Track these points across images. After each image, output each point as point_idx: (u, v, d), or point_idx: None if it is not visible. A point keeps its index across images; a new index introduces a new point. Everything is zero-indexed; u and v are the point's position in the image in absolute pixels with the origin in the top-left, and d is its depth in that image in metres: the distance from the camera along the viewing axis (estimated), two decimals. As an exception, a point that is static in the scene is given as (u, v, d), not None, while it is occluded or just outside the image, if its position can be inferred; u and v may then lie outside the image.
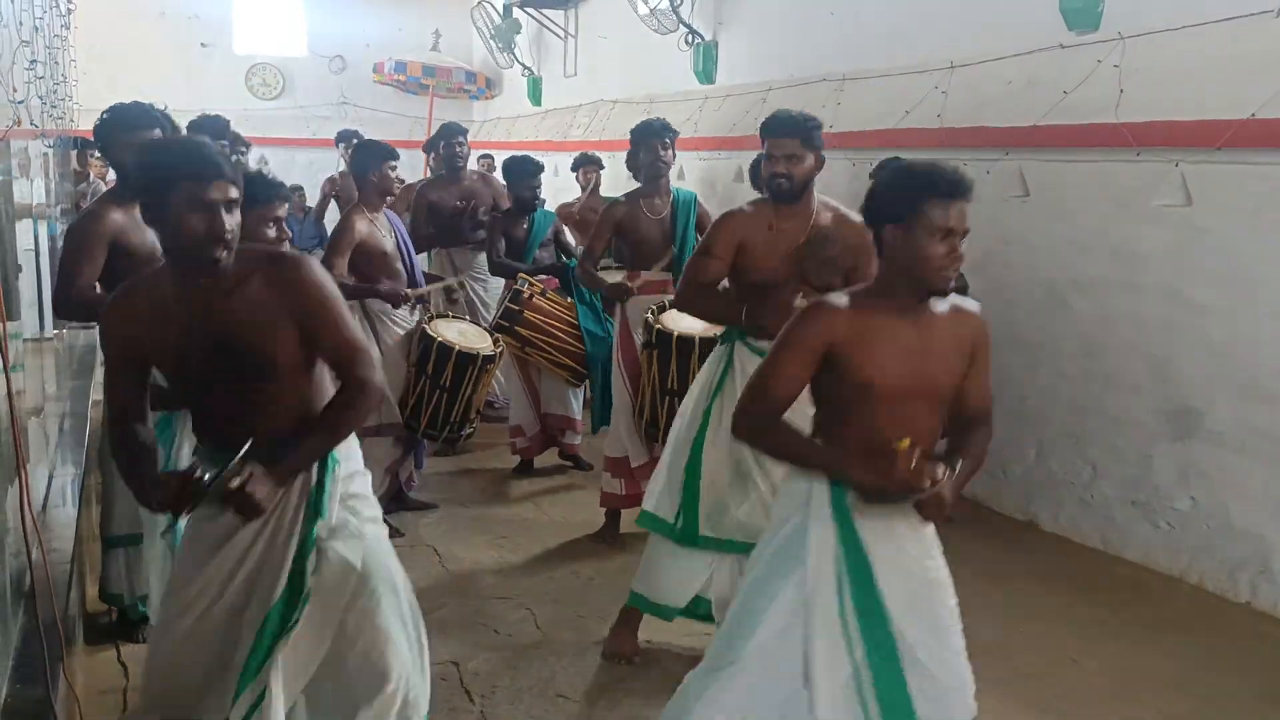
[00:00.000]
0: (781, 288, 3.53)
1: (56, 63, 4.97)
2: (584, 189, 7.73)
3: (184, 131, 4.03)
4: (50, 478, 3.65)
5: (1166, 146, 4.58)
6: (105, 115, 3.71)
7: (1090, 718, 3.46)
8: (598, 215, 7.26)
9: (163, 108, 3.76)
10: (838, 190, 6.77)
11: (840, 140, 6.61)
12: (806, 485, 2.54)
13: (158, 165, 2.26)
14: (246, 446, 2.26)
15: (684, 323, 4.59)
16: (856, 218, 3.57)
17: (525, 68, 12.12)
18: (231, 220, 2.24)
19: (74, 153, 8.59)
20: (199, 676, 2.38)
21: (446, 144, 6.54)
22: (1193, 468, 4.56)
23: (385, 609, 2.45)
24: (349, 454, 2.52)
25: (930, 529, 2.55)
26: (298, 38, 13.39)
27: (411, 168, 11.98)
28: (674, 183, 5.27)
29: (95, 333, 5.62)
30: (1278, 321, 4.25)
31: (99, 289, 3.66)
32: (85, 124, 3.92)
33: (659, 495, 3.72)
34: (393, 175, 4.90)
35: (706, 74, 8.37)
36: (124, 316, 2.37)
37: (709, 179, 7.87)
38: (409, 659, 2.49)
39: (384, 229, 4.88)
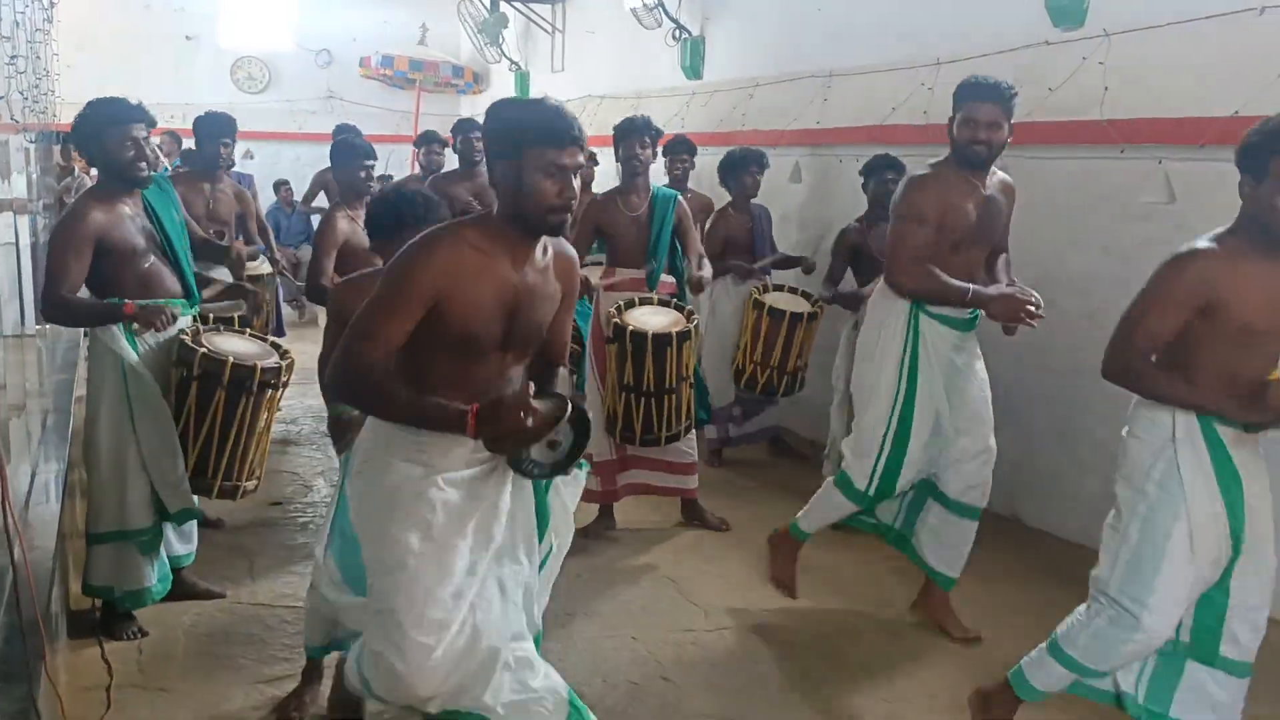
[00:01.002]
0: (966, 251, 3.76)
1: (39, 57, 4.93)
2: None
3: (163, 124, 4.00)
4: (33, 474, 3.64)
5: (1151, 144, 4.60)
6: (86, 110, 3.69)
7: (1072, 709, 3.47)
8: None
9: (136, 102, 3.75)
10: (823, 188, 6.82)
11: (827, 136, 6.63)
12: (1169, 420, 2.82)
13: (512, 126, 2.33)
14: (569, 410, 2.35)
15: (648, 320, 4.67)
16: (1008, 177, 3.95)
17: (512, 63, 12.08)
18: (578, 185, 2.35)
19: (57, 147, 8.53)
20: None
21: (463, 138, 6.56)
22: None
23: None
24: None
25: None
26: (284, 31, 13.31)
27: (399, 163, 11.97)
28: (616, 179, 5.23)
29: (77, 332, 5.61)
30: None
31: (86, 292, 3.66)
32: (69, 118, 3.89)
33: (855, 467, 3.94)
34: (362, 176, 4.85)
35: (694, 69, 8.36)
36: (441, 262, 2.32)
37: (695, 174, 7.85)
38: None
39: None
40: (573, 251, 2.58)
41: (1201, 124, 4.35)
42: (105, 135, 3.63)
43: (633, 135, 4.96)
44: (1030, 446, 5.25)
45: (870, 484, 3.90)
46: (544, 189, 2.29)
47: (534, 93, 11.91)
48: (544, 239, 2.48)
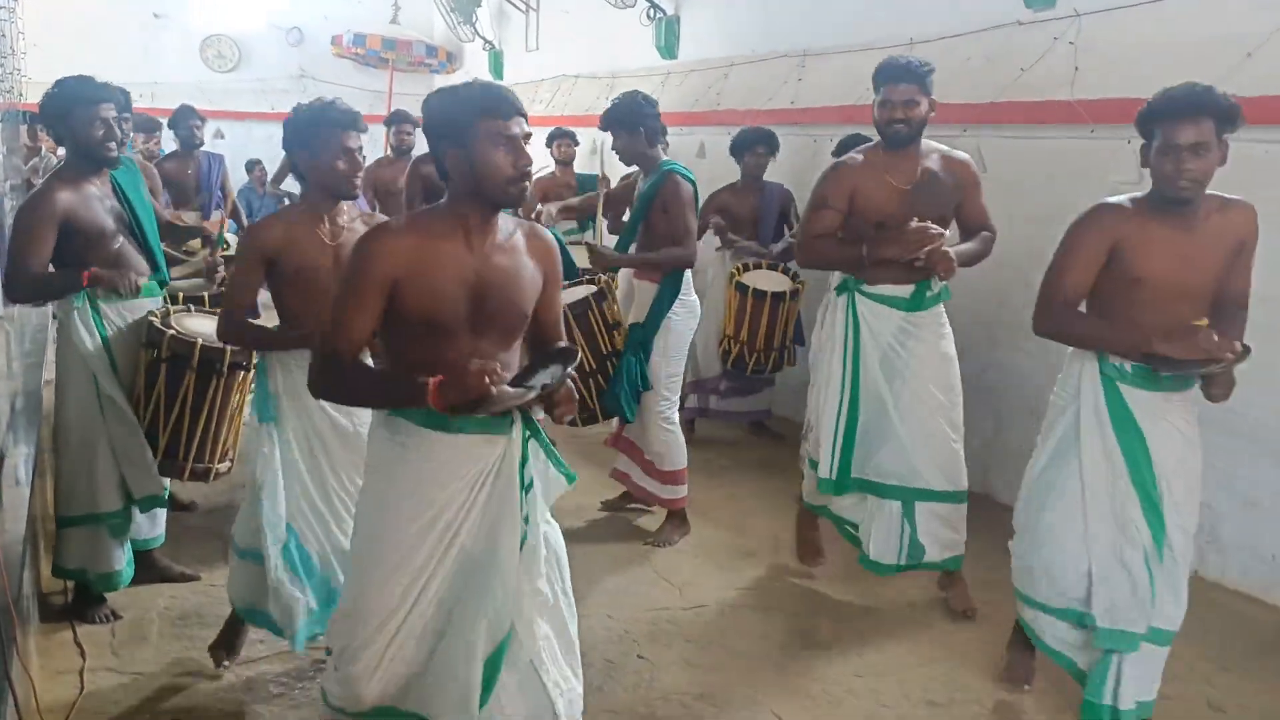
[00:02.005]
0: (898, 227, 3.72)
1: (3, 35, 4.85)
2: (558, 162, 7.71)
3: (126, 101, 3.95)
4: (2, 457, 3.60)
5: (1120, 123, 4.62)
6: (53, 89, 3.64)
7: (1043, 687, 3.52)
8: (571, 189, 7.26)
9: (105, 80, 3.70)
10: (798, 167, 6.83)
11: (801, 117, 6.63)
12: (1076, 375, 3.06)
13: (457, 107, 2.33)
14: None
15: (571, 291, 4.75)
16: (963, 156, 3.95)
17: (486, 42, 12.00)
18: (530, 155, 2.36)
19: (24, 127, 8.41)
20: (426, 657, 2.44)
21: (395, 130, 6.52)
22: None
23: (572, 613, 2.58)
24: None
25: (1190, 396, 3.05)
26: (254, 9, 13.14)
27: (373, 144, 11.87)
28: (590, 157, 5.23)
29: (46, 310, 5.55)
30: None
31: (51, 269, 3.61)
32: (36, 97, 3.84)
33: (813, 449, 4.06)
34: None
35: (669, 49, 8.34)
36: (390, 250, 2.33)
37: (670, 154, 7.84)
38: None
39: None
40: (548, 234, 2.56)
41: (1171, 104, 4.38)
42: (74, 115, 3.59)
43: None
44: (1002, 423, 5.30)
45: (831, 469, 3.95)
46: (499, 161, 2.30)
47: (508, 73, 11.84)
48: (512, 221, 2.49)
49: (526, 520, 2.40)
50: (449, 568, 2.42)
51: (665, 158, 4.67)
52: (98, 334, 3.65)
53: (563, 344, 2.49)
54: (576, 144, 7.78)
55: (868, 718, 3.32)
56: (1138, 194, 3.02)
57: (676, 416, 4.70)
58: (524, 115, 2.35)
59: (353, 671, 2.44)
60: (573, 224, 6.93)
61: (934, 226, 3.65)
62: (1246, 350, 2.88)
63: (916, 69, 3.72)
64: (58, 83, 3.66)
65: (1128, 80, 4.61)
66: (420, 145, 6.90)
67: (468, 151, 2.31)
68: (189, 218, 5.97)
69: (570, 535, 4.67)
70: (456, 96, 2.34)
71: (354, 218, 3.25)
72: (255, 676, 3.45)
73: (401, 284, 2.33)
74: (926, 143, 3.87)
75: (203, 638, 3.69)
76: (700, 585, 4.26)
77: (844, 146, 5.47)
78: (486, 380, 2.19)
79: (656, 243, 4.55)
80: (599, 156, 6.30)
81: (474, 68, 12.69)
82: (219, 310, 4.08)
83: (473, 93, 2.33)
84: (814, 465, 4.09)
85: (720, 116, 7.38)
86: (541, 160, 7.92)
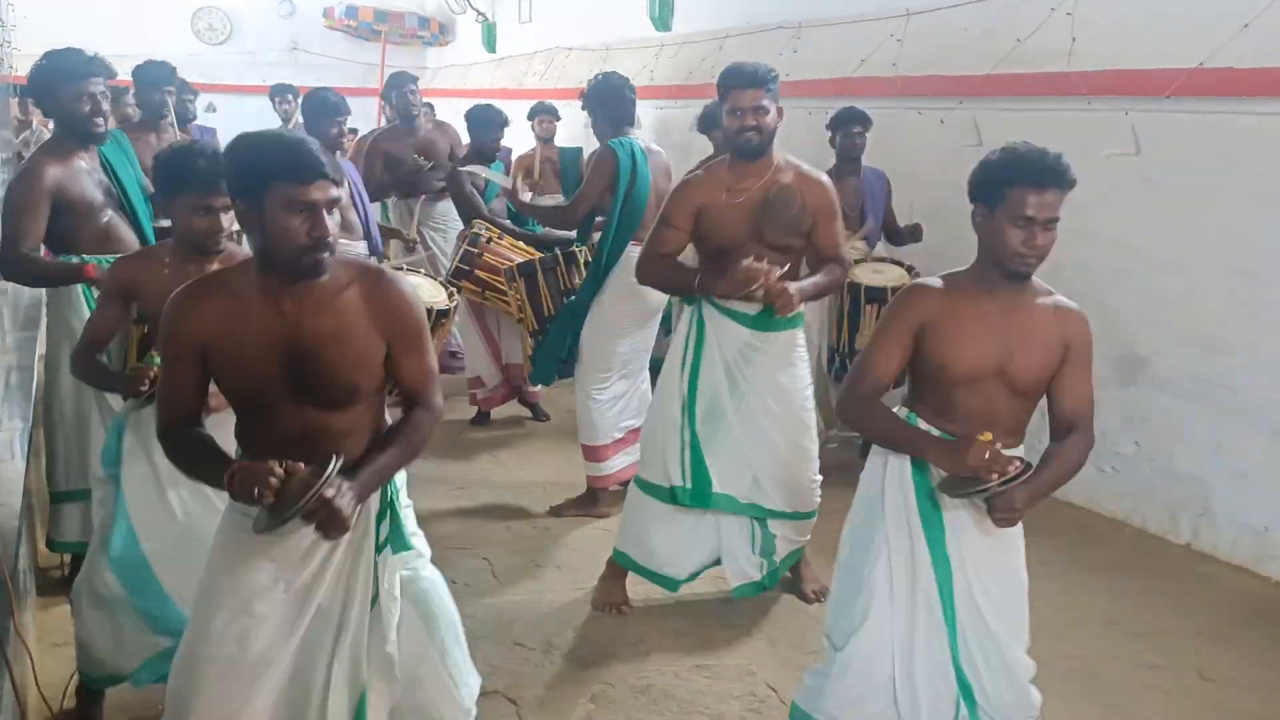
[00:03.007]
0: (740, 250, 3.48)
1: (-8, 6, 4.82)
2: (539, 139, 7.66)
3: (123, 76, 3.91)
4: (-4, 432, 3.61)
5: (1116, 95, 4.62)
6: (41, 62, 3.62)
7: (1035, 657, 3.54)
8: (554, 165, 7.23)
9: (93, 54, 3.67)
10: (795, 139, 6.79)
11: (796, 89, 6.59)
12: (883, 460, 2.64)
13: (252, 163, 2.09)
14: (334, 463, 2.10)
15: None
16: (819, 176, 3.66)
17: (479, 14, 11.92)
18: (333, 223, 2.09)
19: (14, 100, 8.36)
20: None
21: (399, 93, 6.45)
22: (1137, 413, 4.66)
23: (452, 655, 2.40)
24: (402, 482, 2.40)
25: (1012, 533, 2.57)
26: (245, -20, 13.09)
27: (364, 116, 11.81)
28: (584, 131, 5.23)
29: (40, 289, 5.53)
30: (1221, 270, 4.33)
31: (43, 249, 3.60)
32: (26, 69, 3.81)
33: (651, 463, 3.74)
34: (334, 132, 4.79)
35: (663, 21, 8.29)
36: (197, 313, 2.17)
37: (664, 128, 7.83)
38: (470, 690, 2.46)
39: (339, 183, 4.81)
40: (398, 286, 2.26)
41: (1167, 76, 4.37)
42: (60, 89, 3.56)
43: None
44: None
45: (682, 474, 3.66)
46: (292, 229, 2.06)
47: (501, 45, 11.78)
48: (351, 270, 2.23)
49: (377, 582, 2.27)
50: (305, 625, 2.25)
51: (633, 137, 4.65)
52: (89, 309, 3.63)
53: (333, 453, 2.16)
54: (558, 119, 7.74)
55: (861, 688, 3.35)
56: (958, 270, 2.61)
57: (607, 394, 4.67)
58: (329, 177, 2.08)
59: None
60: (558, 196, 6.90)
61: (762, 266, 3.33)
62: (1028, 467, 2.45)
63: (764, 73, 3.53)
64: (45, 56, 3.63)
65: (1125, 52, 4.60)
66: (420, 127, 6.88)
67: (259, 212, 2.08)
68: None
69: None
70: (254, 150, 2.11)
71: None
72: (252, 649, 3.46)
73: (210, 350, 2.17)
74: (783, 158, 3.62)
75: (199, 611, 3.70)
76: (695, 558, 4.28)
77: (837, 122, 5.43)
78: (255, 492, 2.03)
79: (601, 209, 4.64)
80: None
81: (467, 40, 12.61)
82: None
83: (272, 150, 2.09)
84: (651, 490, 3.73)
85: (714, 89, 7.34)
86: (524, 136, 7.90)
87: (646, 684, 3.33)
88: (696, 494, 3.63)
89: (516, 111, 8.82)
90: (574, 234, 5.10)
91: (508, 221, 5.77)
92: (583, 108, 4.71)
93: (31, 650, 3.08)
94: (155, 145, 5.32)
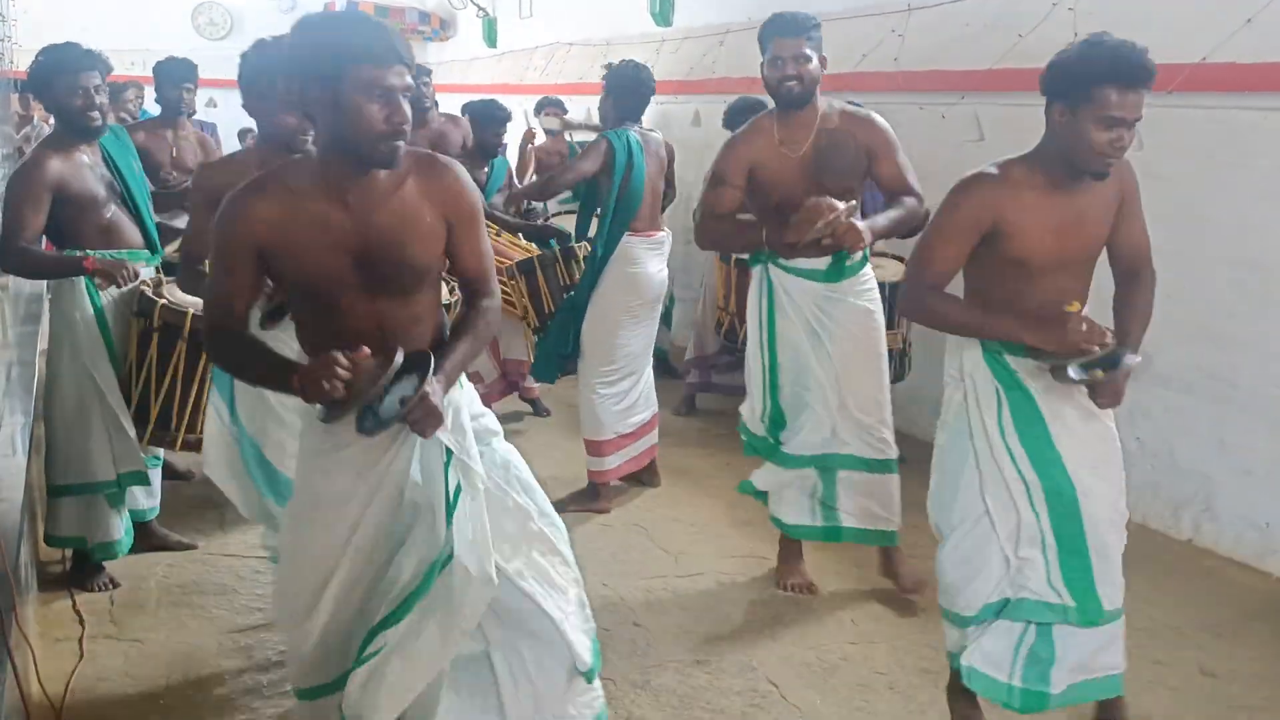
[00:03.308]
0: (799, 202, 3.45)
1: (-7, 1, 4.81)
2: (546, 131, 7.66)
3: (122, 71, 3.89)
4: (-3, 426, 3.60)
5: (1120, 90, 4.59)
6: (40, 57, 3.62)
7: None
8: (562, 156, 7.22)
9: (90, 49, 3.67)
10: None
11: (798, 84, 6.58)
12: (959, 357, 2.75)
13: (328, 44, 2.03)
14: (399, 358, 2.09)
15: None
16: (868, 113, 3.70)
17: (480, 9, 11.89)
18: (408, 110, 2.07)
19: (15, 95, 8.35)
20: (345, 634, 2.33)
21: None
22: (1139, 408, 4.64)
23: (547, 512, 2.45)
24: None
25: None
26: (246, -25, 13.07)
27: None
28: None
29: (41, 283, 5.53)
30: (1225, 264, 4.32)
31: (46, 243, 3.60)
32: (27, 64, 3.81)
33: (752, 418, 3.91)
34: None
35: (664, 16, 8.27)
36: (255, 213, 2.13)
37: (664, 123, 7.80)
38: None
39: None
40: (450, 167, 2.27)
41: (1169, 70, 4.34)
42: (56, 83, 3.56)
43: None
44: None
45: (764, 426, 3.85)
46: (371, 114, 2.03)
47: (502, 40, 11.76)
48: (406, 158, 2.19)
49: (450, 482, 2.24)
50: (371, 536, 2.27)
51: (629, 130, 4.66)
52: (91, 304, 3.64)
53: (421, 350, 2.20)
54: (565, 113, 7.73)
55: (861, 685, 3.35)
56: (1014, 157, 2.68)
57: (611, 389, 4.67)
58: (406, 63, 2.06)
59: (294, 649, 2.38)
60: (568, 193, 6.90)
61: (829, 201, 3.30)
62: (1121, 346, 2.58)
63: (805, 21, 3.53)
64: (43, 50, 3.63)
65: (1126, 47, 4.58)
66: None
67: (335, 99, 2.03)
68: None
69: (558, 505, 4.73)
70: (330, 31, 2.06)
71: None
72: (254, 644, 3.47)
73: (271, 253, 2.15)
74: (827, 102, 3.61)
75: (200, 605, 3.71)
76: (696, 554, 4.28)
77: (740, 112, 5.41)
78: (327, 387, 2.01)
79: (598, 202, 4.68)
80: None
81: (467, 35, 12.58)
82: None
83: (349, 31, 2.04)
84: (757, 446, 3.93)
85: (715, 85, 7.33)
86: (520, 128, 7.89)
87: (646, 679, 3.33)
88: (782, 452, 3.80)
89: (517, 106, 8.82)
90: (572, 230, 5.12)
91: (508, 217, 5.76)
92: (604, 79, 4.74)
93: (33, 645, 3.09)
94: (172, 142, 5.34)
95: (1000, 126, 5.19)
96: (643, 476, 4.98)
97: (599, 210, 4.72)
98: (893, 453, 3.78)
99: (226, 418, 3.12)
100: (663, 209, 5.46)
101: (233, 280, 2.19)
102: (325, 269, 2.16)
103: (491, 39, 11.91)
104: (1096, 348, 2.49)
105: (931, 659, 3.48)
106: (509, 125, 6.06)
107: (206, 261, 2.70)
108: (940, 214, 2.69)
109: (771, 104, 3.73)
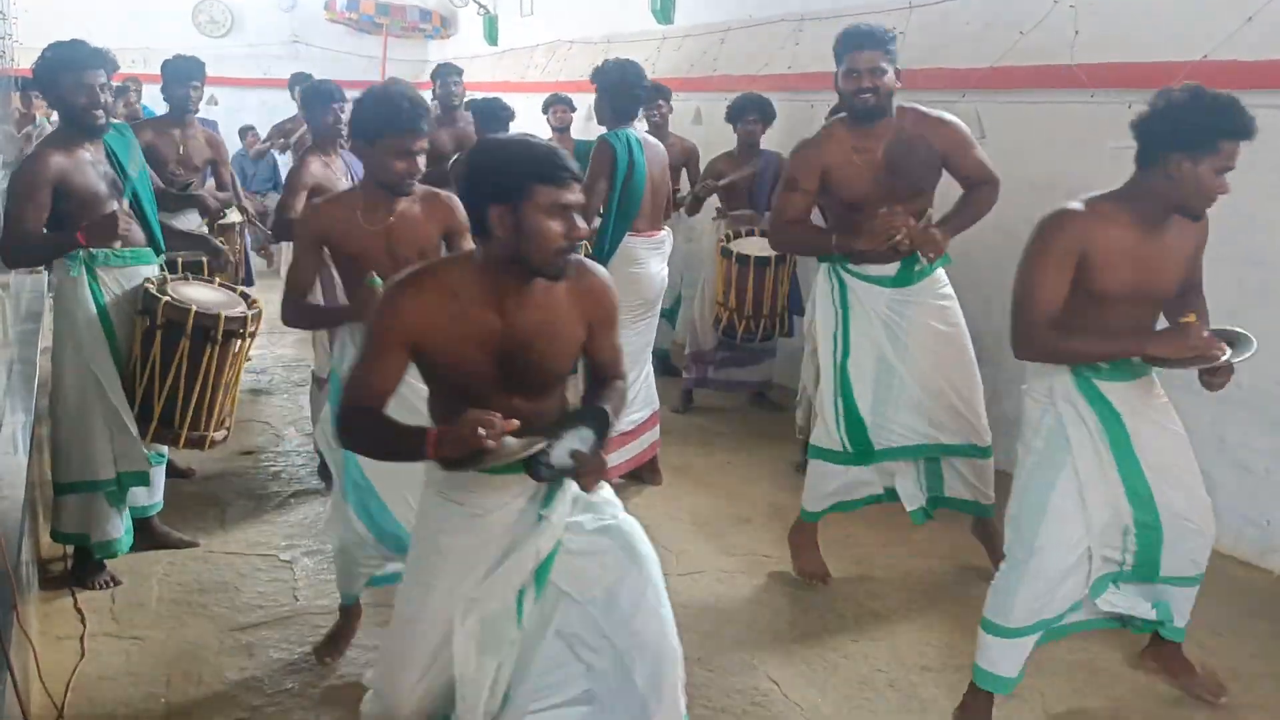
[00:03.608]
0: (872, 206, 3.55)
1: (-6, -1, 4.80)
2: (554, 129, 7.65)
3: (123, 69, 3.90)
4: (-1, 425, 3.61)
5: (1120, 88, 4.60)
6: (45, 54, 3.62)
7: (1035, 654, 3.54)
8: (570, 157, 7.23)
9: (96, 46, 3.67)
10: (795, 133, 6.78)
11: (798, 82, 6.59)
12: (1047, 383, 2.93)
13: (511, 166, 2.15)
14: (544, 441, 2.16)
15: None
16: (940, 114, 3.74)
17: (481, 6, 11.89)
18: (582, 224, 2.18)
19: (16, 94, 8.35)
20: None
21: (442, 82, 6.45)
22: (1141, 407, 4.64)
23: (660, 588, 2.40)
24: None
25: (1163, 397, 3.05)
26: (247, -27, 13.04)
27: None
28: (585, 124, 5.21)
29: (43, 278, 5.53)
30: (1226, 261, 4.30)
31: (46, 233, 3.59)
32: (28, 63, 3.81)
33: (821, 431, 3.90)
34: (331, 120, 4.80)
35: (664, 14, 8.27)
36: (414, 306, 2.23)
37: (672, 120, 7.80)
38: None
39: (339, 171, 4.82)
40: (598, 274, 2.37)
41: (1170, 68, 4.35)
42: (60, 81, 3.56)
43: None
44: (997, 392, 5.29)
45: (843, 441, 3.84)
46: (552, 231, 2.14)
47: (503, 38, 11.74)
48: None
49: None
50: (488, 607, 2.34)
51: (630, 130, 4.65)
52: (94, 302, 3.64)
53: (602, 405, 2.29)
54: (573, 110, 7.73)
55: (862, 681, 3.35)
56: (1097, 195, 2.85)
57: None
58: (580, 183, 2.20)
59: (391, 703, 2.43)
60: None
61: (902, 215, 3.46)
62: (1238, 339, 2.89)
63: (882, 34, 3.59)
64: (49, 47, 3.63)
65: (1128, 44, 4.58)
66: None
67: (516, 215, 2.14)
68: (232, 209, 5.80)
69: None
70: (511, 154, 2.18)
71: (415, 199, 3.16)
72: (255, 641, 3.47)
73: (422, 345, 2.25)
74: (900, 106, 3.67)
75: (201, 603, 3.71)
76: (696, 552, 4.28)
77: (838, 113, 5.41)
78: (481, 433, 2.05)
79: (594, 207, 4.61)
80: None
81: (468, 33, 12.58)
82: (214, 278, 4.10)
83: (529, 154, 2.16)
84: (818, 452, 3.93)
85: (716, 82, 7.33)
86: (536, 127, 7.89)
87: (649, 677, 3.33)
88: (859, 455, 3.84)
89: (518, 104, 8.82)
90: None
91: None
92: (592, 80, 4.72)
93: (34, 642, 3.09)
94: (178, 140, 5.34)
95: (1001, 124, 5.19)
96: (644, 475, 4.98)
97: (600, 210, 4.71)
98: (986, 440, 3.88)
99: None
100: (678, 206, 5.44)
101: (382, 364, 2.27)
102: (471, 366, 2.26)
103: (492, 37, 11.91)
104: (1217, 354, 2.77)
105: (931, 657, 3.49)
106: (512, 125, 6.04)
107: (303, 290, 3.15)
108: (1033, 253, 2.83)
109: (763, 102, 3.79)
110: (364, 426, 2.29)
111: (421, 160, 3.06)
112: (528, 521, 2.32)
